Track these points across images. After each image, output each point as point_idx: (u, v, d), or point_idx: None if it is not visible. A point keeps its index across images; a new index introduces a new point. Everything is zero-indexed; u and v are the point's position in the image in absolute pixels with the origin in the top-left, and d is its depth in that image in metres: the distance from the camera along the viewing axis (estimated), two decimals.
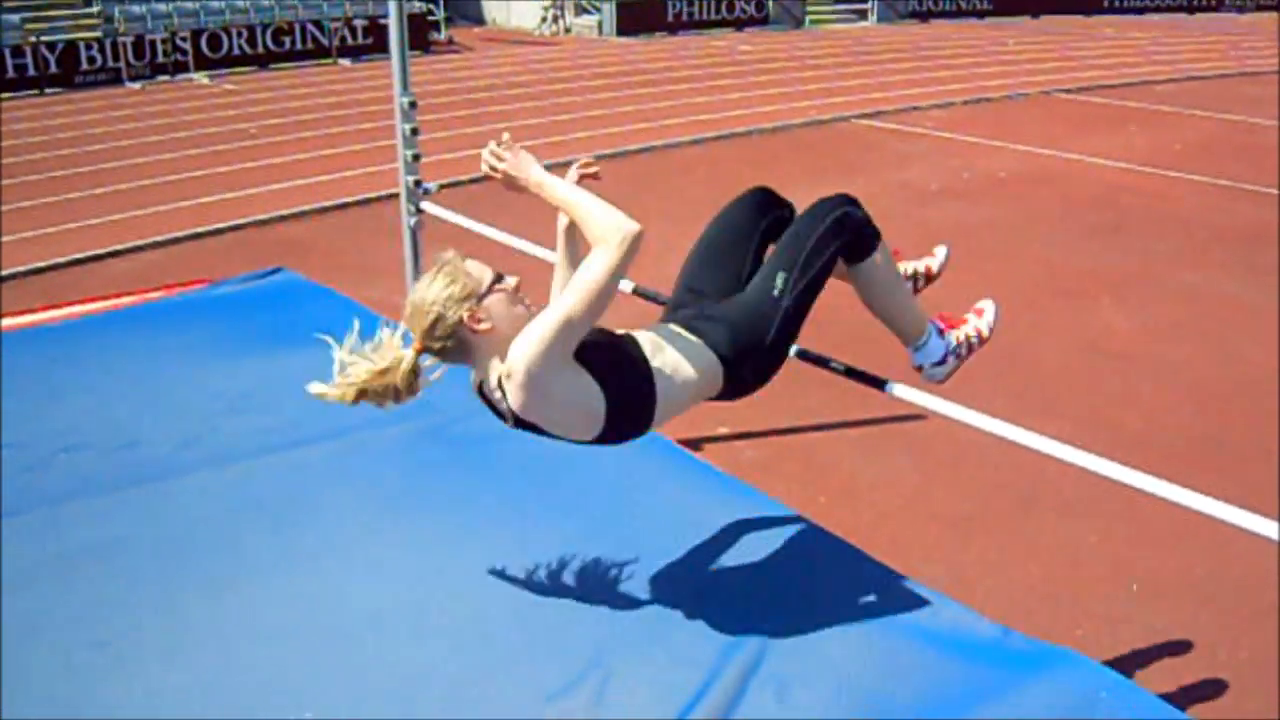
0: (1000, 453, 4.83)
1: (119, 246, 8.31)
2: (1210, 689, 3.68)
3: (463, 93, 14.73)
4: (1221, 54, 19.14)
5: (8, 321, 5.03)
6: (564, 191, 2.69)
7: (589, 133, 12.18)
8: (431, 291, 2.64)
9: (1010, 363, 6.19)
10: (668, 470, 3.78)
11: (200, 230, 8.73)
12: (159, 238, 8.53)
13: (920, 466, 5.09)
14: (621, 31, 21.68)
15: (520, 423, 2.65)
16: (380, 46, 17.51)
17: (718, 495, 3.60)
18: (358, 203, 9.51)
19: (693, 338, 2.83)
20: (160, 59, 16.38)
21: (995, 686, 2.76)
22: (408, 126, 4.81)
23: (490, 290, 2.65)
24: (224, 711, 2.72)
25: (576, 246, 2.98)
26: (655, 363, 2.73)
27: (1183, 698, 2.79)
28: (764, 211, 3.19)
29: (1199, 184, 10.22)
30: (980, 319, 3.35)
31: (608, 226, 2.57)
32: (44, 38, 15.55)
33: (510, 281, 2.70)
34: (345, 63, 17.86)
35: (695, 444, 5.11)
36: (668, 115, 13.27)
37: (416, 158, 4.88)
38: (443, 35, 20.52)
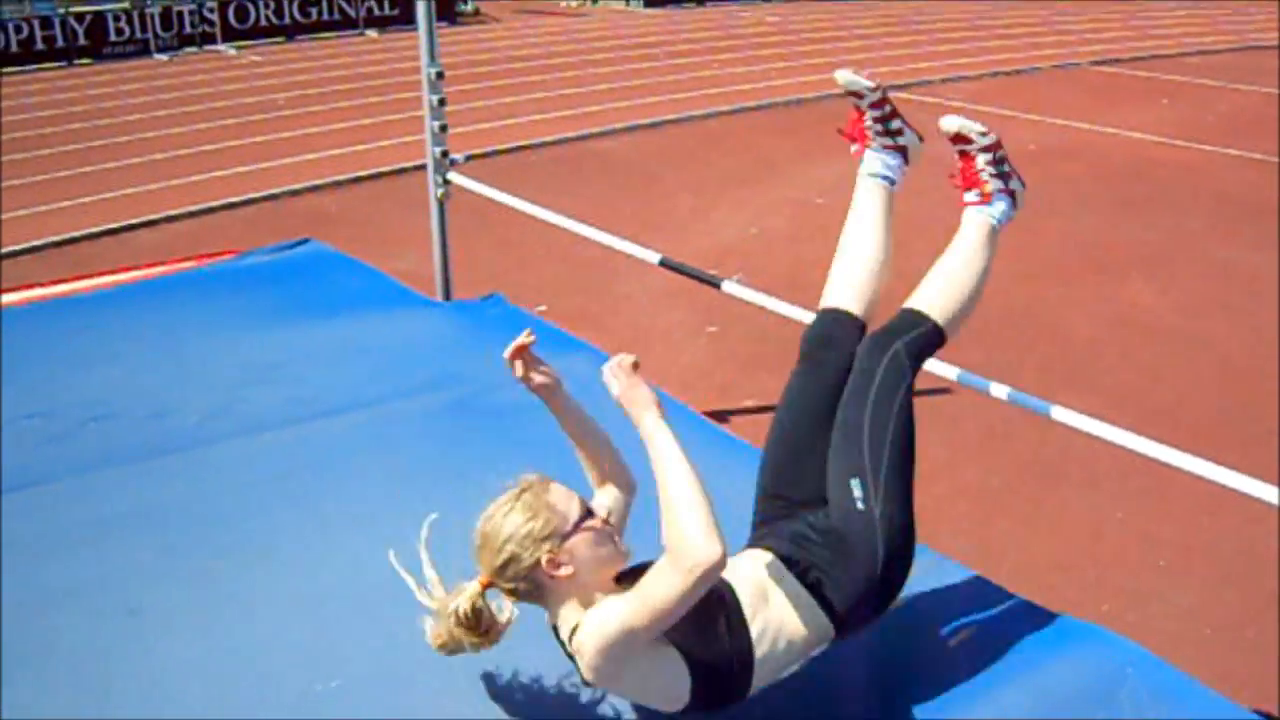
0: (1028, 427, 4.82)
1: (148, 217, 8.35)
2: (1238, 666, 3.67)
3: (491, 64, 14.71)
4: (1243, 27, 18.90)
5: (37, 291, 5.07)
6: (665, 464, 2.24)
7: (616, 104, 12.14)
8: (508, 525, 2.29)
9: (1039, 336, 6.16)
10: (692, 442, 3.77)
11: (228, 201, 8.77)
12: (188, 209, 8.56)
13: (948, 440, 5.08)
14: (649, 3, 21.57)
15: None
16: (407, 18, 17.48)
17: (744, 470, 3.59)
18: (386, 174, 9.52)
19: (799, 586, 2.42)
20: (188, 30, 16.40)
21: (1021, 662, 2.76)
22: (435, 97, 4.81)
23: (576, 528, 2.29)
24: (252, 680, 2.74)
25: (594, 445, 2.72)
26: (755, 627, 2.34)
27: (1209, 674, 2.78)
28: (839, 376, 2.75)
29: (1232, 158, 10.11)
30: (981, 158, 3.03)
31: (688, 545, 2.08)
32: (73, 9, 15.60)
33: (599, 515, 2.37)
34: (372, 34, 17.84)
35: (722, 415, 5.10)
36: (698, 86, 13.22)
37: (444, 129, 4.88)
38: (469, 7, 20.47)
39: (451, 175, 4.92)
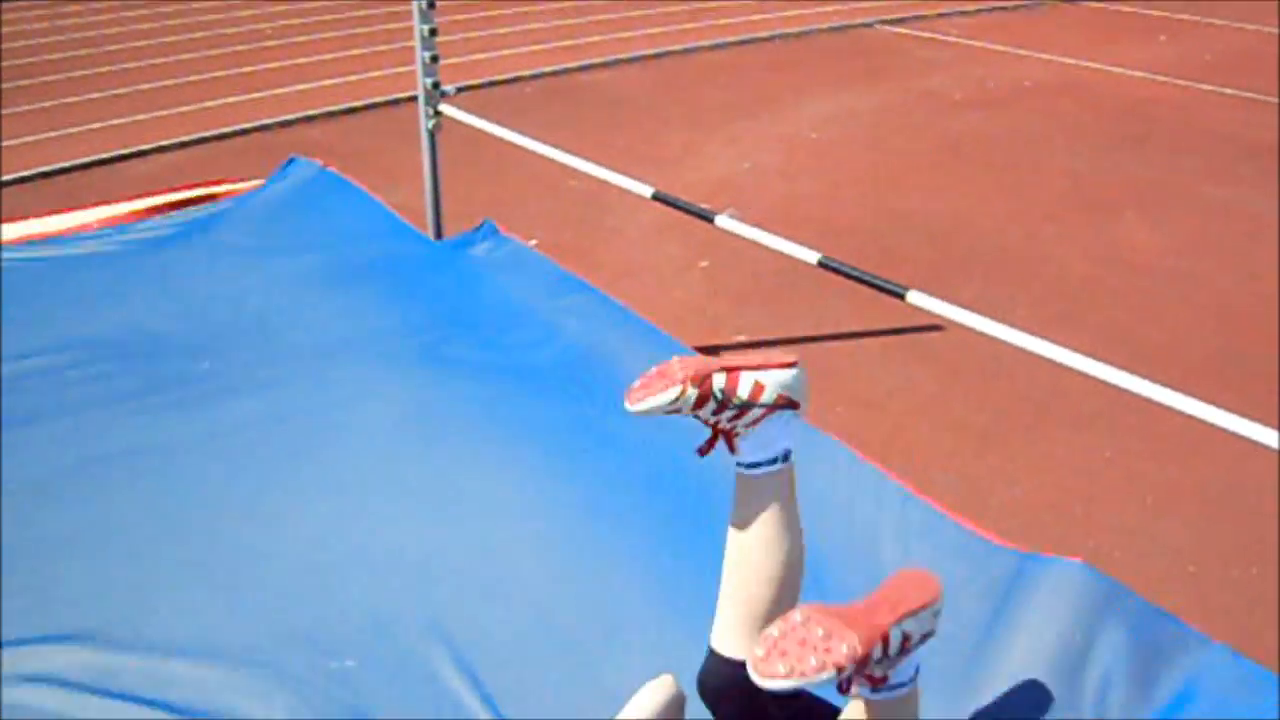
0: (1018, 364, 4.83)
1: (138, 148, 8.27)
2: (1221, 603, 3.70)
3: None
4: None
5: (32, 223, 5.04)
6: None
7: (606, 36, 12.03)
8: None
9: (1031, 274, 6.15)
10: None
11: (219, 132, 8.68)
12: (178, 139, 8.48)
13: (938, 377, 5.09)
14: None
15: None
16: None
17: None
18: (377, 105, 9.43)
19: None
20: None
21: (1005, 600, 2.79)
22: (425, 27, 4.76)
23: None
24: (257, 631, 2.72)
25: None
26: None
27: (1193, 611, 2.81)
28: None
29: (1229, 97, 10.05)
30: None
31: None
32: None
33: None
34: None
35: (714, 351, 5.11)
36: (688, 19, 13.09)
37: (435, 59, 4.84)
38: None
39: (443, 107, 4.88)
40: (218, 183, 5.60)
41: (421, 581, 2.92)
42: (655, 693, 2.19)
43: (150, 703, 2.50)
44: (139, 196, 5.48)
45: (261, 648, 2.68)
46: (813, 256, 3.65)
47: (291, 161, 5.47)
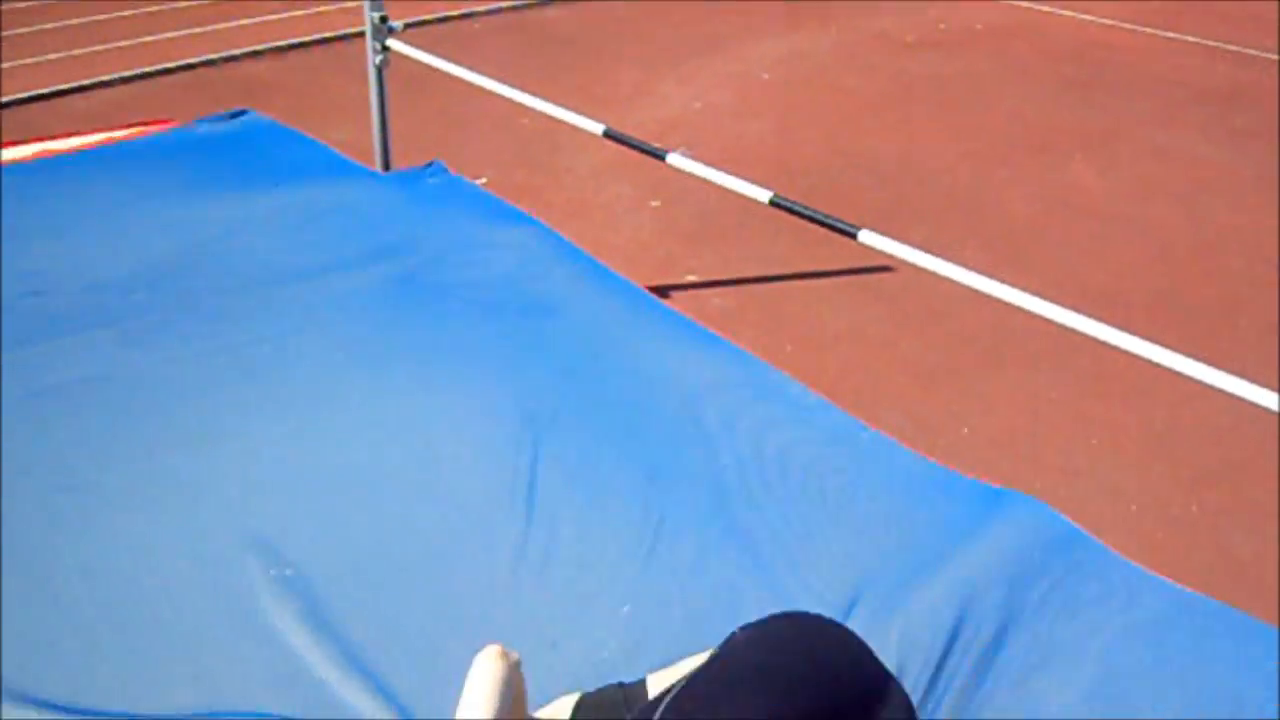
0: (968, 306, 4.86)
1: (80, 83, 8.10)
2: (1161, 541, 3.77)
3: None
4: None
5: None
6: None
7: None
8: None
9: (981, 216, 6.18)
10: (639, 319, 3.77)
11: (163, 67, 8.51)
12: (120, 74, 8.30)
13: (888, 318, 5.11)
14: None
15: None
16: None
17: (688, 345, 3.60)
18: (326, 40, 9.28)
19: None
20: None
21: (953, 532, 2.81)
22: None
23: None
24: (199, 562, 2.71)
25: None
26: None
27: (1134, 548, 2.85)
28: None
29: (1178, 42, 10.10)
30: None
31: None
32: None
33: None
34: None
35: (663, 291, 5.10)
36: None
37: None
38: None
39: (390, 42, 4.81)
40: (159, 122, 5.48)
41: (369, 494, 2.95)
42: (487, 669, 2.01)
43: (92, 625, 2.52)
44: (78, 134, 5.37)
45: (205, 564, 2.69)
46: (764, 195, 3.64)
47: (243, 111, 5.37)
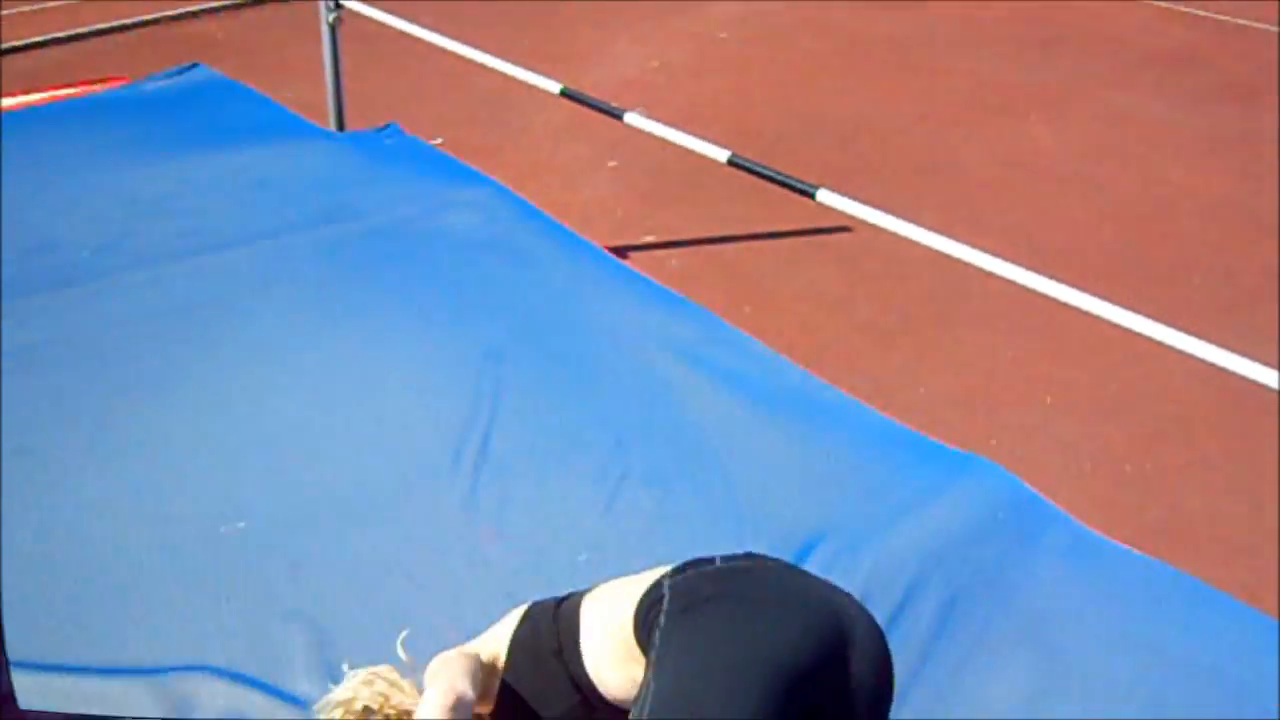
0: (925, 266, 4.87)
1: (25, 40, 7.95)
2: (1114, 499, 3.81)
3: None
4: None
5: None
6: None
7: None
8: None
9: (936, 176, 6.19)
10: (594, 278, 3.77)
11: (109, 25, 8.36)
12: (65, 33, 8.16)
13: (846, 278, 5.12)
14: None
15: None
16: None
17: (647, 304, 3.60)
18: None
19: None
20: None
21: (908, 492, 2.83)
22: None
23: None
24: (153, 521, 2.70)
25: None
26: None
27: (1087, 507, 2.89)
28: None
29: (1133, 4, 10.13)
30: None
31: None
32: None
33: None
34: None
35: (621, 251, 5.08)
36: None
37: None
38: None
39: (344, 0, 4.75)
40: (108, 80, 5.39)
41: (322, 449, 2.97)
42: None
43: (45, 583, 2.52)
44: (22, 93, 5.27)
45: (157, 521, 2.69)
46: (722, 155, 3.64)
47: (193, 66, 5.28)
